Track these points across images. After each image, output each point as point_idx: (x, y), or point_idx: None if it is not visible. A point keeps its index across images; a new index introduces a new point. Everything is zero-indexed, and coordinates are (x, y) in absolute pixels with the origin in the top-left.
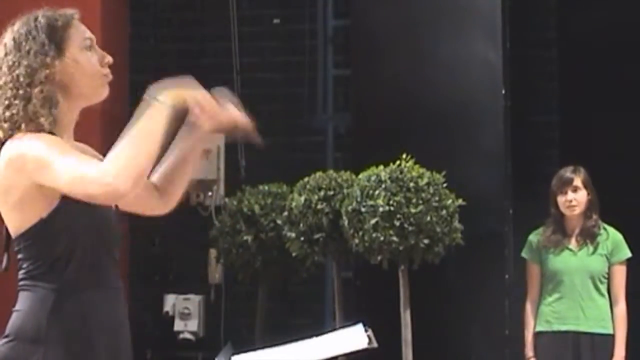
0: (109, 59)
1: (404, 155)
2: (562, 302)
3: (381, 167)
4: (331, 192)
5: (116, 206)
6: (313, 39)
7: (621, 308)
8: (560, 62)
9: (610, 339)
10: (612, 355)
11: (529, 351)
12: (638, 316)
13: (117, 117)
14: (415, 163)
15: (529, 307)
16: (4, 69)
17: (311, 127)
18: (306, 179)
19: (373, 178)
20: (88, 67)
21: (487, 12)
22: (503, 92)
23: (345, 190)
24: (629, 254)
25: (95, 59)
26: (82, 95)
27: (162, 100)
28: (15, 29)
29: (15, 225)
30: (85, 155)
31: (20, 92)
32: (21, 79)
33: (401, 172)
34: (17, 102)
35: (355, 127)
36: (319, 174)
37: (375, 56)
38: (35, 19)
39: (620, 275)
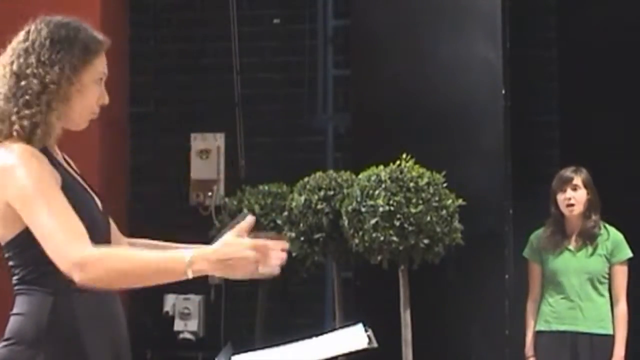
0: (105, 100)
1: (404, 155)
2: (561, 303)
3: (381, 167)
4: (331, 192)
5: (104, 208)
6: (313, 39)
7: (621, 308)
8: (560, 62)
9: (609, 339)
10: (611, 355)
11: (529, 351)
12: (638, 316)
13: (117, 117)
14: (415, 163)
15: (530, 307)
16: (32, 59)
17: (311, 127)
18: (306, 179)
19: (373, 178)
20: (88, 100)
21: (487, 12)
22: (503, 92)
23: (345, 190)
24: (629, 254)
25: (96, 95)
26: (69, 119)
27: (189, 272)
28: (53, 27)
29: (0, 235)
30: (71, 214)
31: (44, 97)
32: (49, 84)
33: (401, 172)
34: (38, 105)
35: (355, 127)
36: (319, 174)
37: (375, 56)
38: (76, 30)
39: (621, 275)
